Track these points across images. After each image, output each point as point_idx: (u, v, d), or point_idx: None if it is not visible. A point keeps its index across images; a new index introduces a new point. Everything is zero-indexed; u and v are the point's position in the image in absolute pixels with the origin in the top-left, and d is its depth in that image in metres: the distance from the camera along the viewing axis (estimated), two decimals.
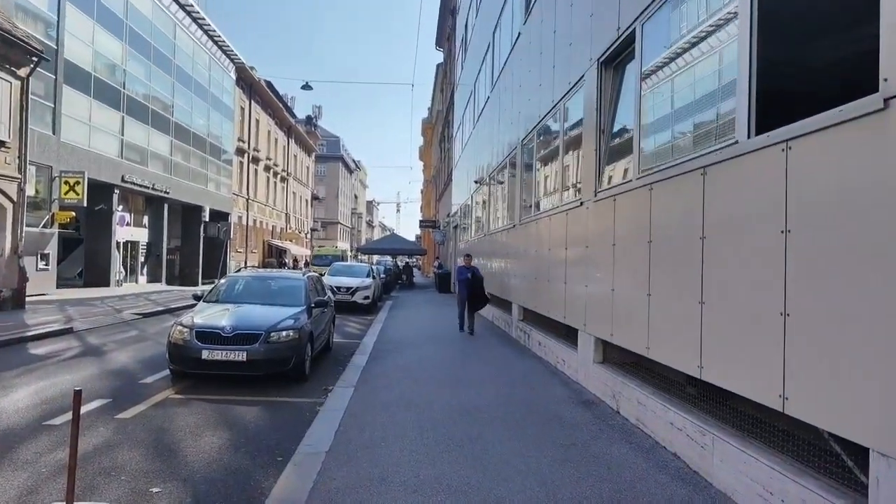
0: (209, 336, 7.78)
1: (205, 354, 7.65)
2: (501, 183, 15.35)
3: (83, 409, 6.53)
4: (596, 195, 6.98)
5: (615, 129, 6.78)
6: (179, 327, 8.01)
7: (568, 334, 9.03)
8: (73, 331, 12.63)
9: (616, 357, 6.85)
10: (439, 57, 46.72)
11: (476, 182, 18.02)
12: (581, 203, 7.52)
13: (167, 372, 8.32)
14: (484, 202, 17.78)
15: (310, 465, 4.74)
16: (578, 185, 8.09)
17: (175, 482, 4.61)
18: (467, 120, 24.69)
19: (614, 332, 6.26)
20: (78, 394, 4.01)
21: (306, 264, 43.29)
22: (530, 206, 11.43)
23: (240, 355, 7.68)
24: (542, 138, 10.41)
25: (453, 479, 4.38)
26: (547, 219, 9.49)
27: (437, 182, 47.11)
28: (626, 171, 6.32)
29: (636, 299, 5.63)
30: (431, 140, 61.11)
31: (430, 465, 4.71)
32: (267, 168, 47.62)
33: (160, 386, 7.81)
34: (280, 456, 5.27)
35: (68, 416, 6.27)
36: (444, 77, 42.40)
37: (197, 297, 9.62)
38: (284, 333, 8.05)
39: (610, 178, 6.79)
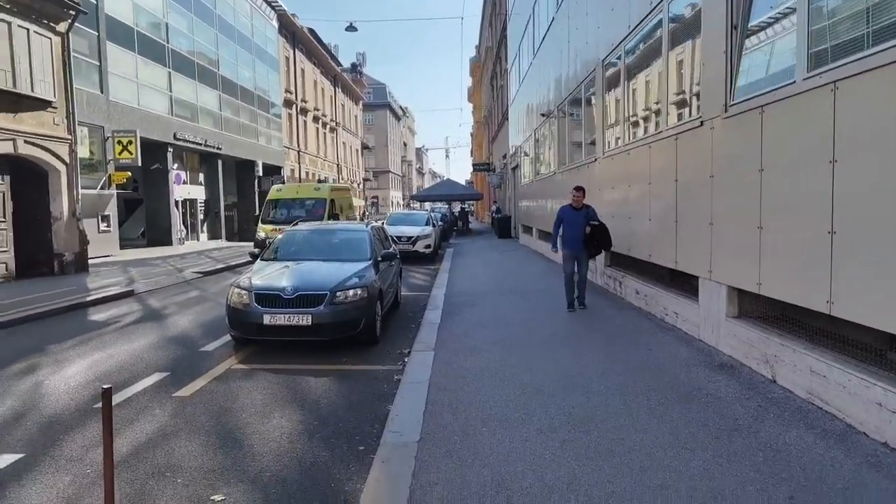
0: (269, 299, 6.94)
1: (266, 319, 6.83)
2: (572, 115, 13.82)
3: (139, 387, 5.86)
4: (727, 110, 5.56)
5: (755, 17, 5.28)
6: (237, 290, 7.20)
7: (674, 281, 7.76)
8: (134, 293, 12.23)
9: (756, 310, 5.58)
10: None
11: (543, 115, 16.46)
12: (701, 123, 6.11)
13: (228, 337, 7.60)
14: (551, 137, 16.26)
15: (401, 463, 3.79)
16: (693, 103, 6.64)
17: (241, 485, 3.76)
18: (525, 51, 22.79)
19: (764, 280, 4.97)
20: (108, 393, 3.12)
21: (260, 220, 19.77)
22: (616, 138, 9.98)
23: (304, 319, 6.83)
24: (632, 54, 8.86)
25: (592, 487, 3.33)
26: (644, 148, 8.07)
27: (490, 122, 45.17)
28: (778, 71, 4.88)
29: (809, 239, 4.31)
30: (481, 80, 58.66)
31: (554, 462, 3.68)
32: (316, 119, 46.77)
33: (222, 354, 7.08)
34: (362, 445, 4.37)
35: (124, 394, 5.61)
36: (494, 9, 39.86)
37: (254, 255, 8.82)
38: (352, 293, 7.13)
39: (749, 85, 5.34)
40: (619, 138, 9.73)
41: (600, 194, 10.69)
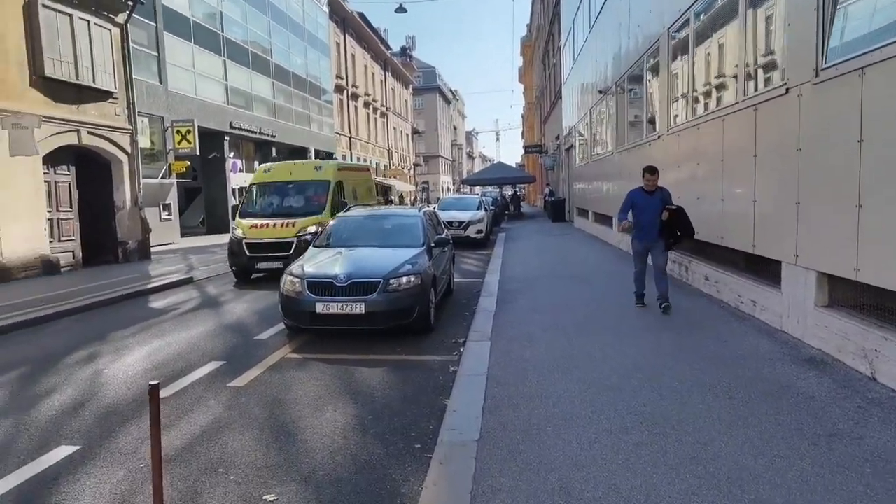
0: (322, 286, 6.80)
1: (319, 308, 6.70)
2: (632, 90, 13.13)
3: (195, 376, 5.82)
4: (818, 74, 4.98)
5: None
6: (290, 277, 7.10)
7: (750, 266, 7.19)
8: (193, 280, 12.44)
9: (850, 298, 5.02)
10: None
11: (600, 92, 15.77)
12: (787, 90, 5.52)
13: (282, 326, 7.53)
14: (608, 115, 15.57)
15: (460, 465, 3.54)
16: (775, 69, 6.04)
17: (293, 484, 3.59)
18: (579, 27, 21.94)
19: (863, 266, 4.43)
20: (155, 389, 2.97)
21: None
22: (681, 112, 9.35)
23: (357, 307, 6.66)
24: (701, 19, 8.21)
25: (675, 501, 2.98)
26: (717, 121, 7.48)
27: (542, 103, 44.16)
28: (882, 27, 4.29)
29: None
30: (532, 59, 57.40)
31: (629, 469, 3.34)
32: (366, 104, 46.90)
33: (276, 343, 7.01)
34: (418, 442, 4.14)
35: (180, 384, 5.57)
36: None
37: (307, 242, 8.71)
38: (405, 279, 6.92)
39: (845, 45, 4.75)
40: (684, 112, 9.11)
41: (664, 174, 10.04)
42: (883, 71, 4.13)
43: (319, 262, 7.41)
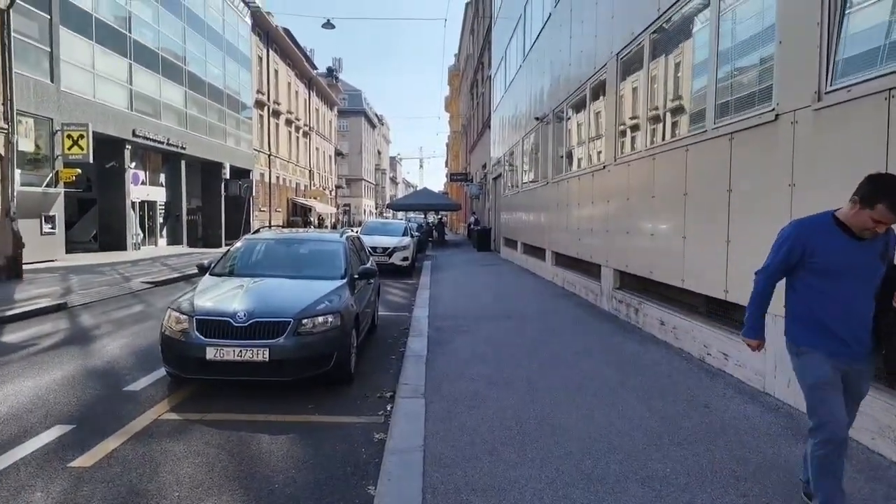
0: (215, 326, 5.41)
1: (210, 353, 5.29)
2: (571, 118, 12.57)
3: (26, 450, 4.17)
4: (821, 98, 4.28)
5: None
6: (175, 314, 5.64)
7: (713, 311, 6.46)
8: (67, 307, 10.48)
9: None
10: None
11: (537, 119, 15.19)
12: (776, 116, 4.81)
13: (163, 372, 6.02)
14: (544, 144, 14.99)
15: None
16: (744, 97, 5.38)
17: None
18: (512, 55, 21.63)
19: None
20: None
21: None
22: (627, 142, 8.74)
23: (260, 353, 5.31)
24: (658, 40, 7.61)
25: None
26: (679, 151, 6.78)
27: (469, 132, 44.03)
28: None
29: None
30: (459, 88, 57.62)
31: None
32: (288, 122, 45.01)
33: (150, 397, 5.51)
34: None
35: (8, 459, 4.01)
36: (476, 15, 38.82)
37: (203, 269, 7.20)
38: (321, 319, 5.64)
39: (858, 63, 4.06)
40: (636, 141, 8.47)
41: (608, 206, 9.43)
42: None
43: (215, 296, 6.00)
